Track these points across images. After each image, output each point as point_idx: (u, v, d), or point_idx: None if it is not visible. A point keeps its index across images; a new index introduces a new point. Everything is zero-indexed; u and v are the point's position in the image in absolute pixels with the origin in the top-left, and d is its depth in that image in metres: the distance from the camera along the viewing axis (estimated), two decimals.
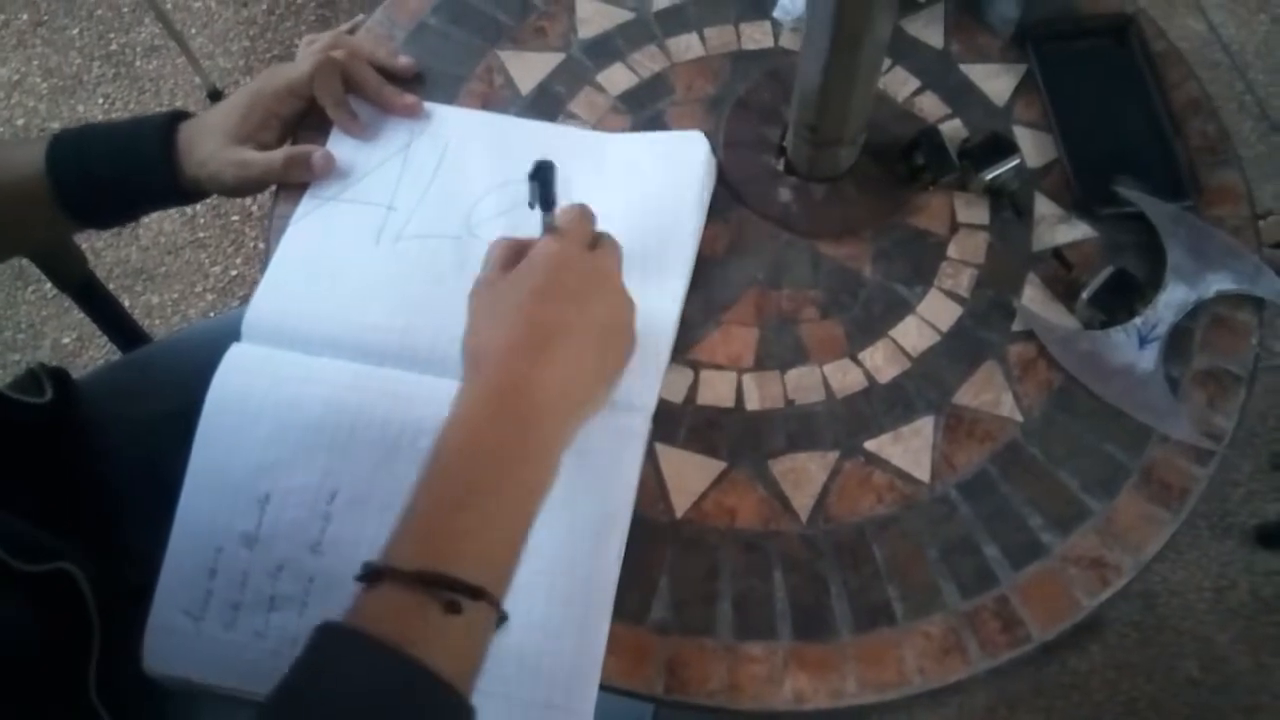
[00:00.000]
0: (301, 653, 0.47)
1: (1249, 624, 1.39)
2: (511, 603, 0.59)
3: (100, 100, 1.88)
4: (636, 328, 0.62)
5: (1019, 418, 0.68)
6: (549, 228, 0.63)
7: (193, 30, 1.94)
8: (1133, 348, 0.69)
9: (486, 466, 0.52)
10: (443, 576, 0.48)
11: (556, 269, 0.58)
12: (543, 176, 0.63)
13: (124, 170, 0.73)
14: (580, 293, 0.58)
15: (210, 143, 0.74)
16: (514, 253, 0.60)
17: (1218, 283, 0.70)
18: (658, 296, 0.70)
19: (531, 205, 0.64)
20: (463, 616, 0.48)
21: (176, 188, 0.75)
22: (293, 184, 0.76)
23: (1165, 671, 1.36)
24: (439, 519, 0.51)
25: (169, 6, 1.96)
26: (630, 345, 0.62)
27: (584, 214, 0.63)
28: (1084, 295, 0.70)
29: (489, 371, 0.55)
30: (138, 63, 1.92)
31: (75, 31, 1.95)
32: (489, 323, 0.57)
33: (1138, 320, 0.69)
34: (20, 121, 1.85)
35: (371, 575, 0.49)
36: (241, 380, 0.67)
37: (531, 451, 0.54)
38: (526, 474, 0.53)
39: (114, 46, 1.94)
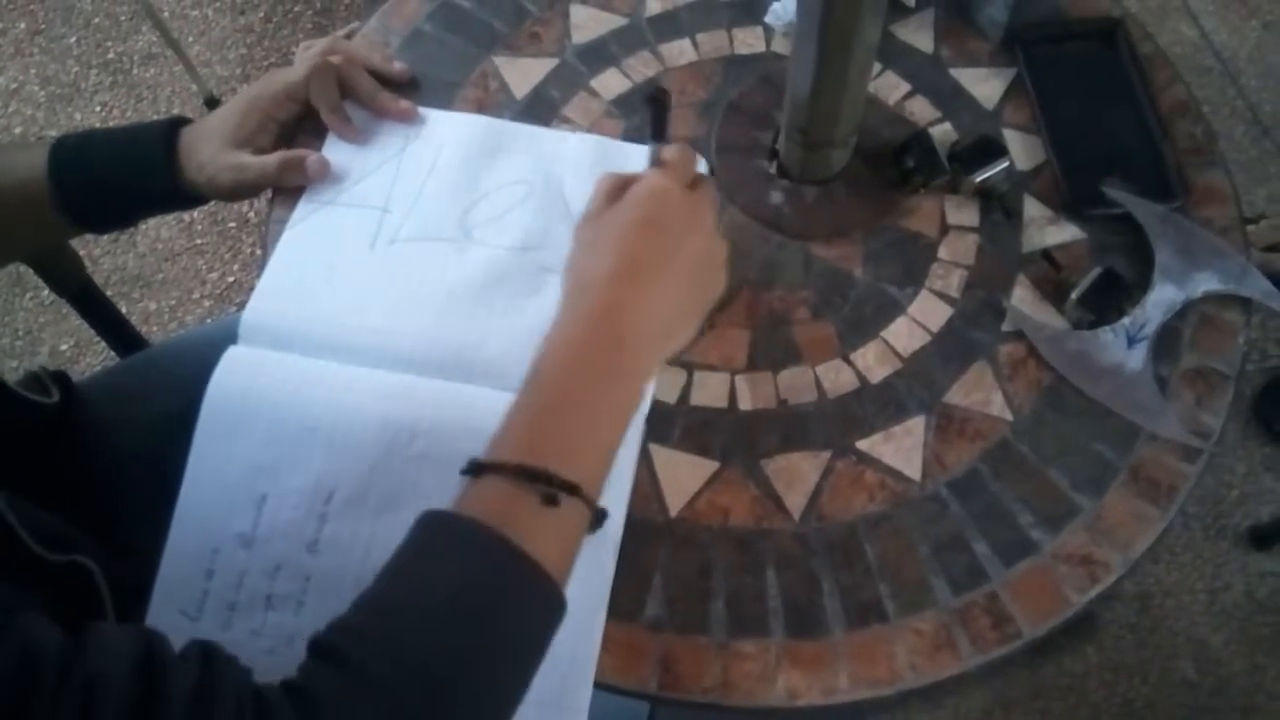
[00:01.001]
0: (404, 539, 0.50)
1: (1244, 625, 1.39)
2: None
3: (98, 108, 1.88)
4: (726, 272, 0.64)
5: (1009, 417, 0.68)
6: (654, 162, 0.64)
7: (190, 38, 1.95)
8: (1121, 347, 0.70)
9: (583, 380, 0.56)
10: (542, 471, 0.51)
11: (658, 204, 0.60)
12: (658, 104, 0.64)
13: (125, 174, 0.74)
14: (678, 229, 0.60)
15: (208, 147, 0.74)
16: (619, 187, 0.62)
17: (1205, 283, 0.71)
18: None
19: (644, 133, 0.65)
20: (560, 509, 0.51)
21: (176, 192, 0.75)
22: (288, 188, 0.77)
23: (1161, 673, 1.37)
24: (539, 421, 0.54)
25: (166, 15, 1.97)
26: (720, 284, 0.63)
27: (687, 154, 0.64)
28: (1073, 295, 0.71)
29: (589, 295, 0.58)
30: (135, 71, 1.92)
31: (73, 40, 1.96)
32: (590, 251, 0.60)
33: (1126, 320, 0.70)
34: (18, 130, 1.86)
35: (475, 469, 0.52)
36: (238, 382, 0.68)
37: (624, 371, 0.57)
38: (618, 391, 0.57)
39: (111, 55, 1.94)
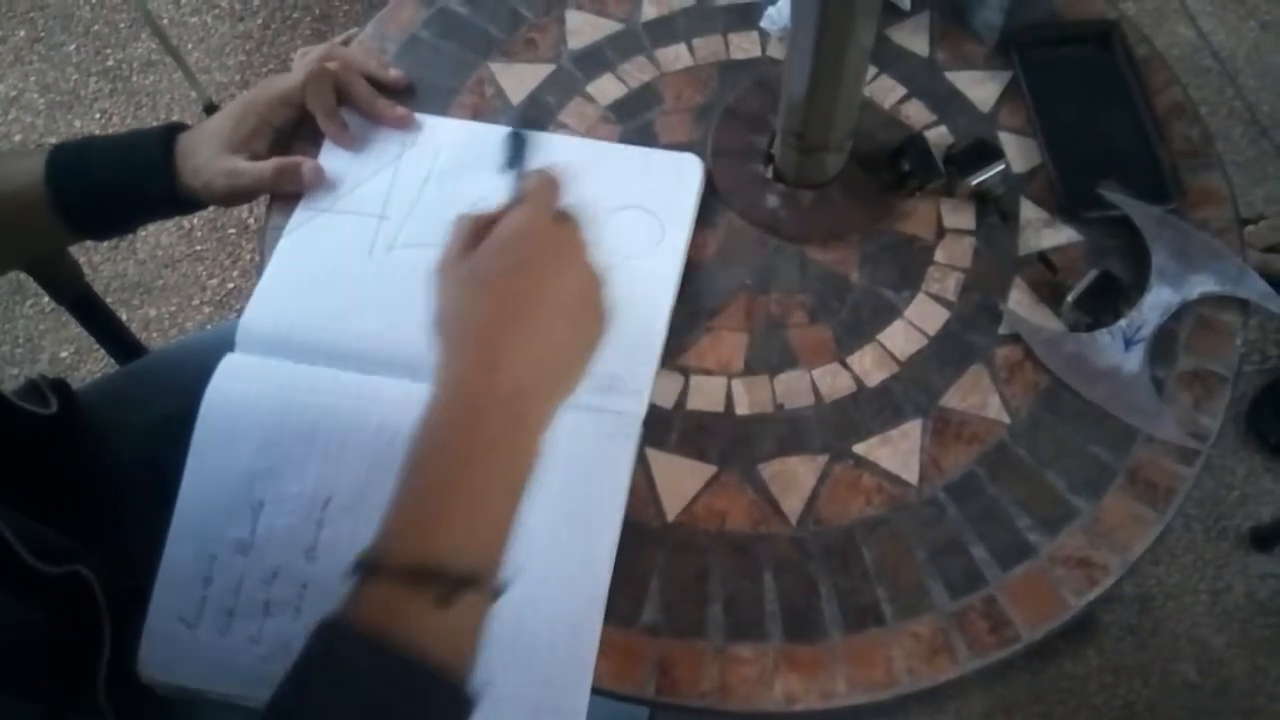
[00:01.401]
0: (300, 653, 0.47)
1: (1245, 626, 1.39)
2: (503, 606, 0.60)
3: (97, 115, 1.89)
4: (608, 305, 0.59)
5: (1006, 420, 0.68)
6: (516, 194, 0.59)
7: (189, 45, 1.95)
8: (1118, 350, 0.70)
9: (467, 453, 0.51)
10: (433, 569, 0.48)
11: (522, 244, 0.55)
12: (519, 142, 0.60)
13: (123, 180, 0.74)
14: (547, 267, 0.55)
15: (204, 151, 0.75)
16: (479, 227, 0.57)
17: (1202, 284, 0.71)
18: (646, 305, 0.71)
19: (506, 166, 0.60)
20: (456, 606, 0.48)
21: (173, 197, 0.75)
22: (286, 194, 0.77)
23: (1162, 675, 1.36)
24: (425, 510, 0.50)
25: (165, 22, 1.97)
26: (601, 320, 0.58)
27: (551, 183, 0.59)
28: (1069, 298, 0.71)
29: (462, 354, 0.54)
30: (134, 78, 1.93)
31: (72, 48, 1.97)
32: (456, 303, 0.55)
33: (1123, 322, 0.70)
34: (17, 137, 1.86)
35: (364, 568, 0.49)
36: (235, 389, 0.68)
37: (512, 430, 0.53)
38: (509, 455, 0.52)
39: (110, 62, 1.95)
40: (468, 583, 0.48)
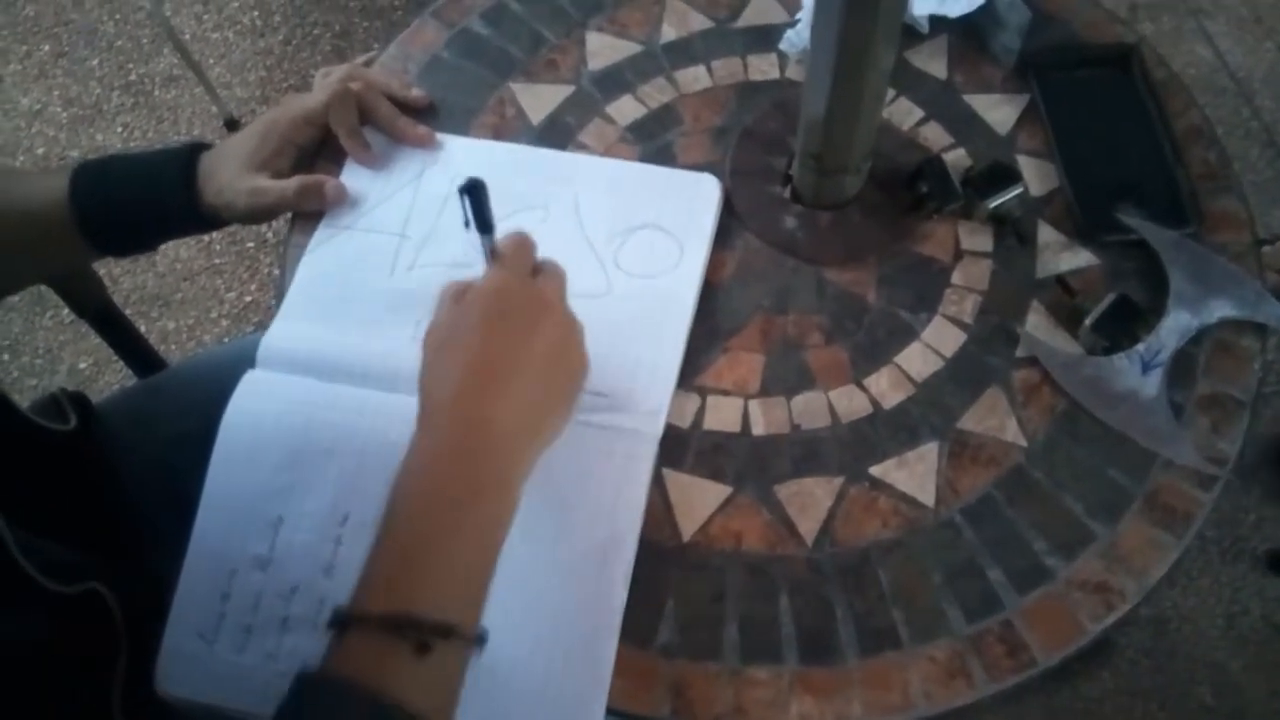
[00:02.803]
0: (280, 703, 0.48)
1: (1261, 650, 1.38)
2: (519, 624, 0.60)
3: (119, 129, 1.91)
4: (585, 353, 0.61)
5: (1023, 443, 0.68)
6: (490, 256, 0.62)
7: (210, 61, 1.97)
8: (1136, 373, 0.69)
9: (445, 506, 0.53)
10: (411, 619, 0.49)
11: (499, 301, 0.58)
12: (474, 195, 0.60)
13: (145, 198, 0.75)
14: (524, 322, 0.58)
15: (226, 170, 0.75)
16: (461, 292, 0.60)
17: (1220, 309, 0.71)
18: (663, 325, 0.71)
19: (466, 225, 0.61)
20: (434, 655, 0.49)
21: (195, 216, 0.76)
22: (307, 212, 0.78)
23: (1178, 698, 1.35)
24: (403, 561, 0.52)
25: (187, 37, 1.99)
26: (581, 364, 0.61)
27: (523, 242, 0.62)
28: (1087, 321, 0.71)
29: (444, 410, 0.56)
30: (156, 92, 1.95)
31: (95, 62, 1.99)
32: (439, 362, 0.57)
33: (1141, 346, 0.70)
34: (40, 150, 1.88)
35: (342, 621, 0.50)
36: (256, 406, 0.69)
37: (488, 486, 0.54)
38: (486, 509, 0.54)
39: (133, 76, 1.97)
40: (446, 632, 0.49)
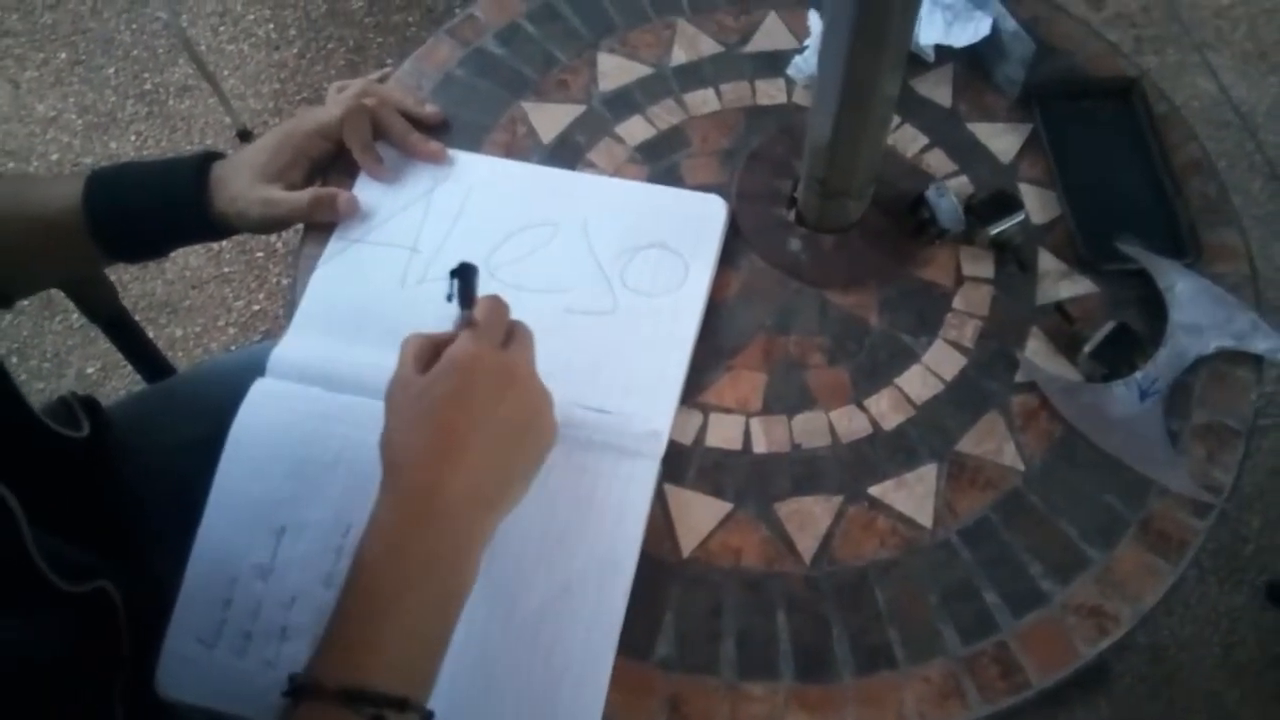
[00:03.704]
0: None
1: (1258, 680, 1.38)
2: (517, 638, 0.61)
3: (133, 138, 1.93)
4: (554, 421, 0.62)
5: (1021, 467, 0.69)
6: (464, 323, 0.62)
7: (225, 72, 1.99)
8: (1133, 401, 0.70)
9: (403, 575, 0.54)
10: (366, 692, 0.50)
11: (466, 374, 0.58)
12: (464, 277, 0.63)
13: (158, 206, 0.76)
14: (490, 394, 0.58)
15: (240, 180, 0.76)
16: (428, 351, 0.60)
17: (1217, 339, 0.72)
18: (668, 343, 0.72)
19: (449, 299, 0.63)
20: None
21: (207, 224, 0.77)
22: (319, 224, 0.79)
23: None
24: (359, 632, 0.52)
25: (203, 48, 2.02)
26: (548, 430, 0.62)
27: (497, 308, 0.63)
28: (1086, 349, 0.71)
29: (403, 478, 0.56)
30: (170, 102, 1.97)
31: (111, 71, 2.01)
32: (403, 427, 0.58)
33: (1138, 374, 0.71)
34: (55, 156, 1.90)
35: (297, 691, 0.51)
36: (264, 415, 0.70)
37: (447, 555, 0.55)
38: (443, 578, 0.55)
39: (148, 86, 1.99)
40: (400, 705, 0.50)
